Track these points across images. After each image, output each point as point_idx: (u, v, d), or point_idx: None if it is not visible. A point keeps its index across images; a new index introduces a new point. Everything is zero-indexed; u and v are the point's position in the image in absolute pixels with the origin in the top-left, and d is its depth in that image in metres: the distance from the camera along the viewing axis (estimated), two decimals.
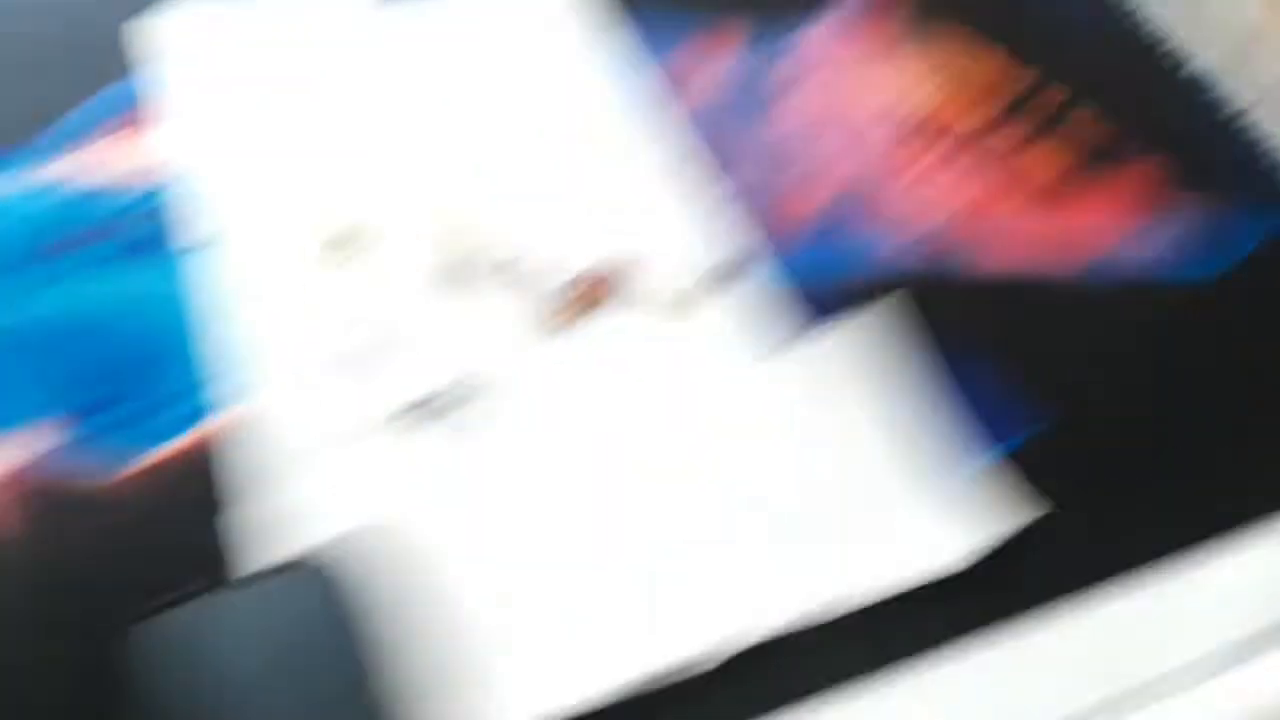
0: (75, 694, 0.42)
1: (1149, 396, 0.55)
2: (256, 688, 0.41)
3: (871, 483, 0.51)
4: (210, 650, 0.42)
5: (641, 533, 0.49)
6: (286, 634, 0.43)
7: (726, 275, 0.58)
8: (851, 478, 0.51)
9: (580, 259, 0.58)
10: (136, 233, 0.57)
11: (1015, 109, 0.68)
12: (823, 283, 0.59)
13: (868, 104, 0.69)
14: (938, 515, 0.49)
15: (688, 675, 0.44)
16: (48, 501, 0.47)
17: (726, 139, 0.66)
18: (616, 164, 0.64)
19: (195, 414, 0.51)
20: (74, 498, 0.47)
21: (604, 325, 0.56)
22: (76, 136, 0.61)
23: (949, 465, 0.51)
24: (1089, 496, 0.51)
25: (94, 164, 0.60)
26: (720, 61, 0.70)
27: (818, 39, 0.72)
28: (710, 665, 0.44)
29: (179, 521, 0.47)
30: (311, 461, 0.50)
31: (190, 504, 0.48)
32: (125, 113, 0.63)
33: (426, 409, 0.52)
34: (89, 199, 0.58)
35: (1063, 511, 0.49)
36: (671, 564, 0.48)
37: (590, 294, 0.57)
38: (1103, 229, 0.63)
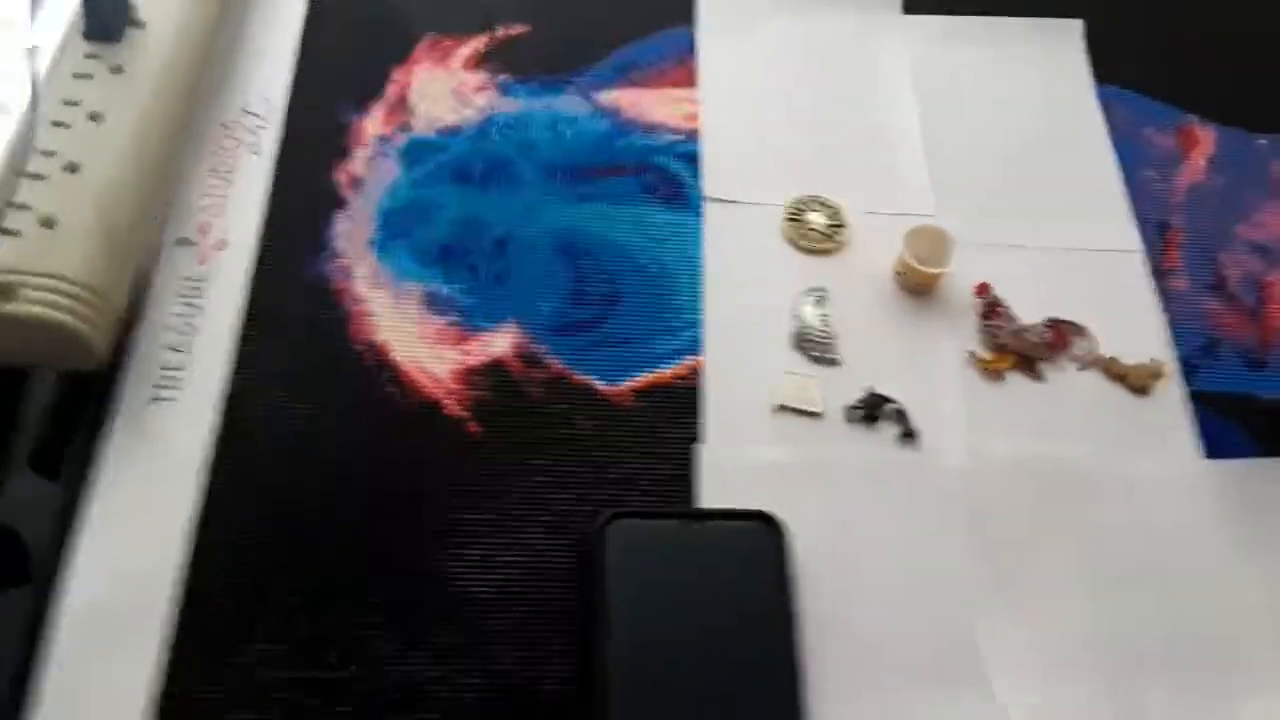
0: (560, 562, 0.52)
1: None
2: (701, 605, 0.50)
3: (1250, 632, 0.53)
4: (668, 564, 0.51)
5: (1050, 601, 0.53)
6: (735, 571, 0.51)
7: (1185, 366, 0.60)
8: (1241, 621, 0.53)
9: (1034, 311, 0.62)
10: (664, 175, 0.66)
11: None
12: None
13: None
14: None
15: None
16: (555, 391, 0.57)
17: (1214, 225, 0.67)
18: (1093, 220, 0.67)
19: (687, 348, 0.59)
20: (579, 393, 0.57)
21: (1052, 380, 0.60)
22: (633, 71, 0.70)
23: None
24: None
25: (644, 101, 0.69)
26: (1201, 152, 0.70)
27: None
28: None
29: (664, 440, 0.56)
30: (762, 421, 0.57)
31: (675, 427, 0.56)
32: (678, 58, 0.71)
33: (870, 412, 0.58)
34: (633, 132, 0.67)
35: None
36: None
37: (1039, 348, 0.61)
38: None
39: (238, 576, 0.50)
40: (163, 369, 0.55)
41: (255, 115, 0.65)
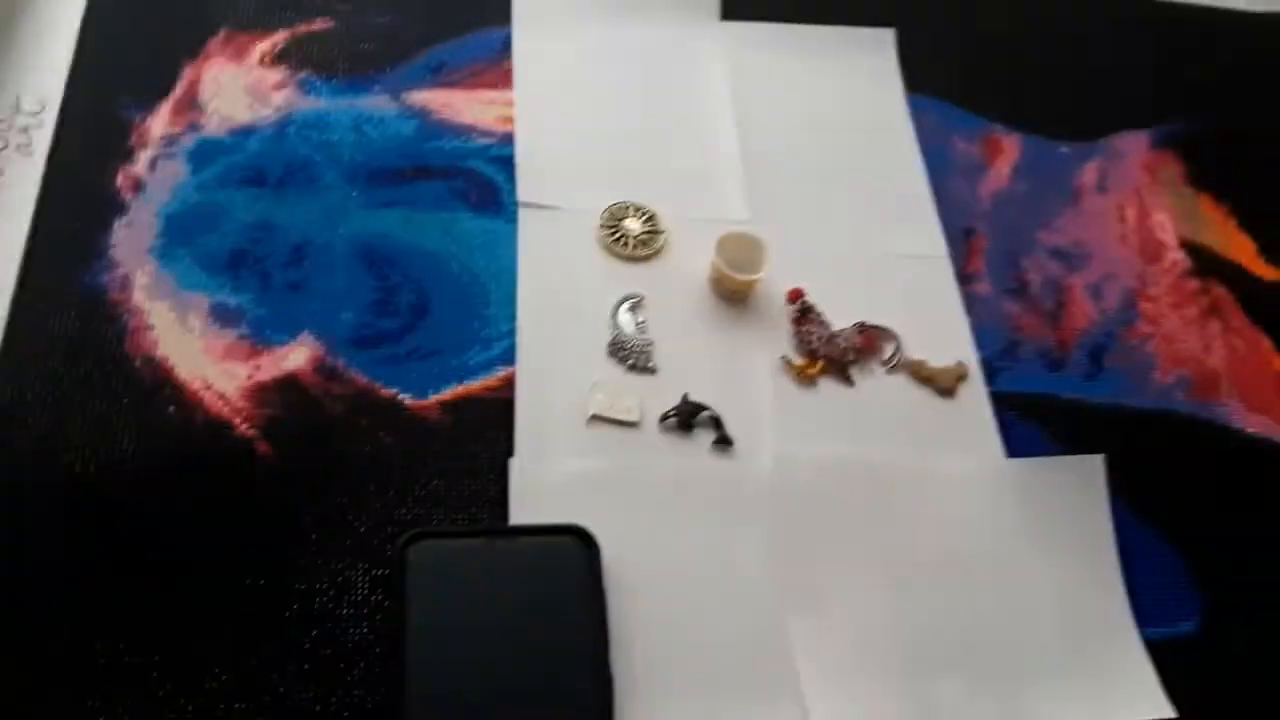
0: (358, 587, 0.50)
1: None
2: (508, 625, 0.48)
3: (1041, 628, 0.54)
4: (473, 584, 0.49)
5: (853, 601, 0.54)
6: (544, 587, 0.49)
7: (988, 368, 0.62)
8: (1027, 622, 0.55)
9: (845, 316, 0.62)
10: (476, 180, 0.63)
11: (1255, 296, 0.69)
12: (1078, 399, 0.62)
13: (1151, 236, 0.71)
14: (1078, 679, 0.53)
15: None
16: (357, 406, 0.54)
17: (1016, 232, 0.69)
18: (903, 226, 0.68)
19: (500, 359, 0.57)
20: (384, 408, 0.55)
21: (862, 384, 0.61)
22: (446, 71, 0.67)
23: (1104, 633, 0.55)
24: (1212, 714, 0.53)
25: (456, 102, 0.66)
26: (1005, 160, 0.73)
27: (1100, 168, 0.74)
28: None
29: (474, 455, 0.54)
30: (576, 432, 0.56)
31: (486, 441, 0.54)
32: (493, 59, 0.69)
33: (684, 420, 0.57)
34: (444, 134, 0.65)
35: None
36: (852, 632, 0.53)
37: (849, 352, 0.61)
38: None
39: (14, 603, 0.46)
40: None
41: (27, 113, 0.60)
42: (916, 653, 0.52)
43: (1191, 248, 0.72)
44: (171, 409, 0.52)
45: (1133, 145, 0.76)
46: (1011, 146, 0.74)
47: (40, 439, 0.50)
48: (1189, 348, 0.67)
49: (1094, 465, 0.59)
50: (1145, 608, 0.56)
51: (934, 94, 0.75)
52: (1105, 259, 0.70)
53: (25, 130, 0.59)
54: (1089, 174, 0.74)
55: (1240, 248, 0.73)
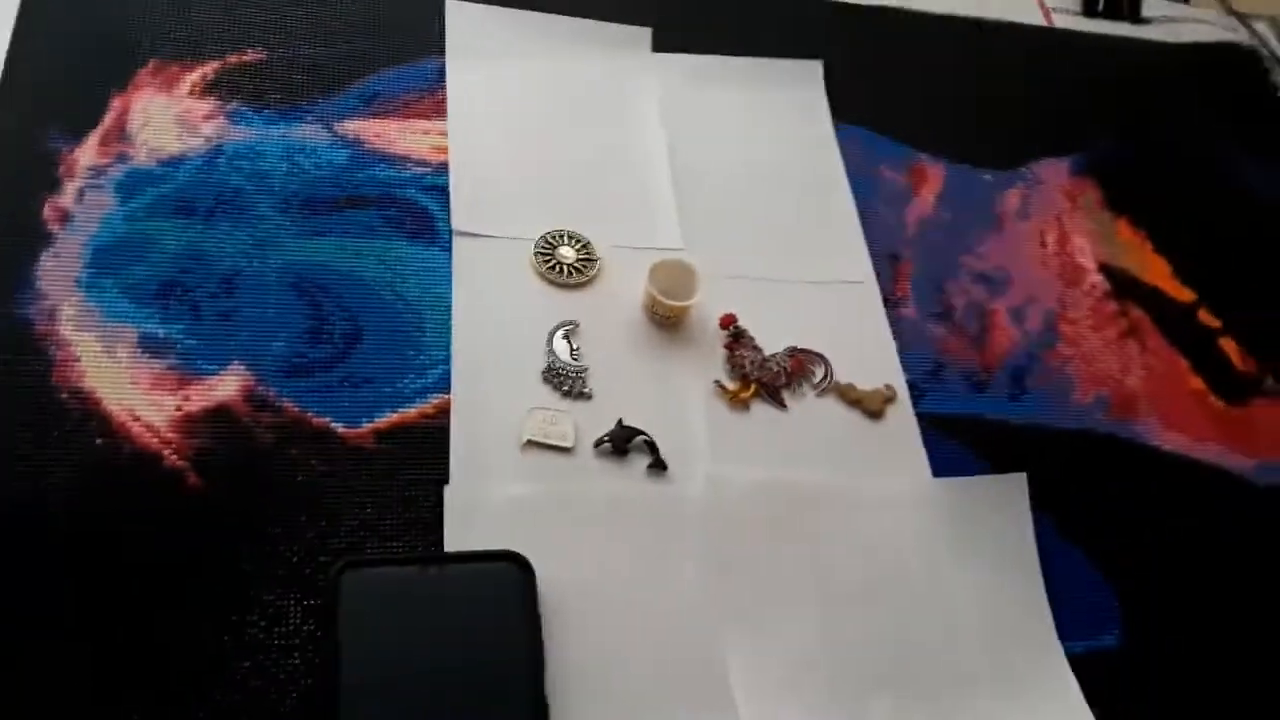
0: (291, 618, 0.49)
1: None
2: (442, 652, 0.48)
3: (968, 644, 0.56)
4: (407, 612, 0.49)
5: (786, 620, 0.54)
6: (479, 613, 0.49)
7: (914, 390, 0.64)
8: (956, 639, 0.56)
9: (776, 341, 0.64)
10: (409, 208, 0.64)
11: (1171, 317, 0.72)
12: (1002, 419, 0.64)
13: (1072, 260, 0.74)
14: (1005, 695, 0.54)
15: None
16: (288, 435, 0.54)
17: (941, 257, 0.71)
18: (832, 252, 0.70)
19: (434, 386, 0.57)
20: (316, 437, 0.54)
21: (794, 407, 0.62)
22: (378, 101, 0.68)
23: (1029, 648, 0.56)
24: None
25: (389, 132, 0.67)
26: (930, 188, 0.75)
27: (1022, 194, 0.76)
28: None
29: (409, 482, 0.54)
30: (511, 459, 0.56)
31: (421, 469, 0.54)
32: (426, 89, 0.69)
33: (619, 445, 0.58)
34: (377, 164, 0.65)
35: None
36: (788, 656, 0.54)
37: (780, 376, 0.62)
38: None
39: None
40: None
41: None
42: (847, 670, 0.53)
43: (1110, 271, 0.74)
44: (99, 441, 0.51)
45: (1053, 172, 0.79)
46: (936, 174, 0.76)
47: None
48: (1108, 368, 0.69)
49: (1017, 483, 0.61)
50: (1068, 622, 0.58)
51: (861, 123, 0.77)
52: (1027, 283, 0.72)
53: None
54: (1011, 200, 0.76)
55: (1156, 270, 0.75)
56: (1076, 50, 0.88)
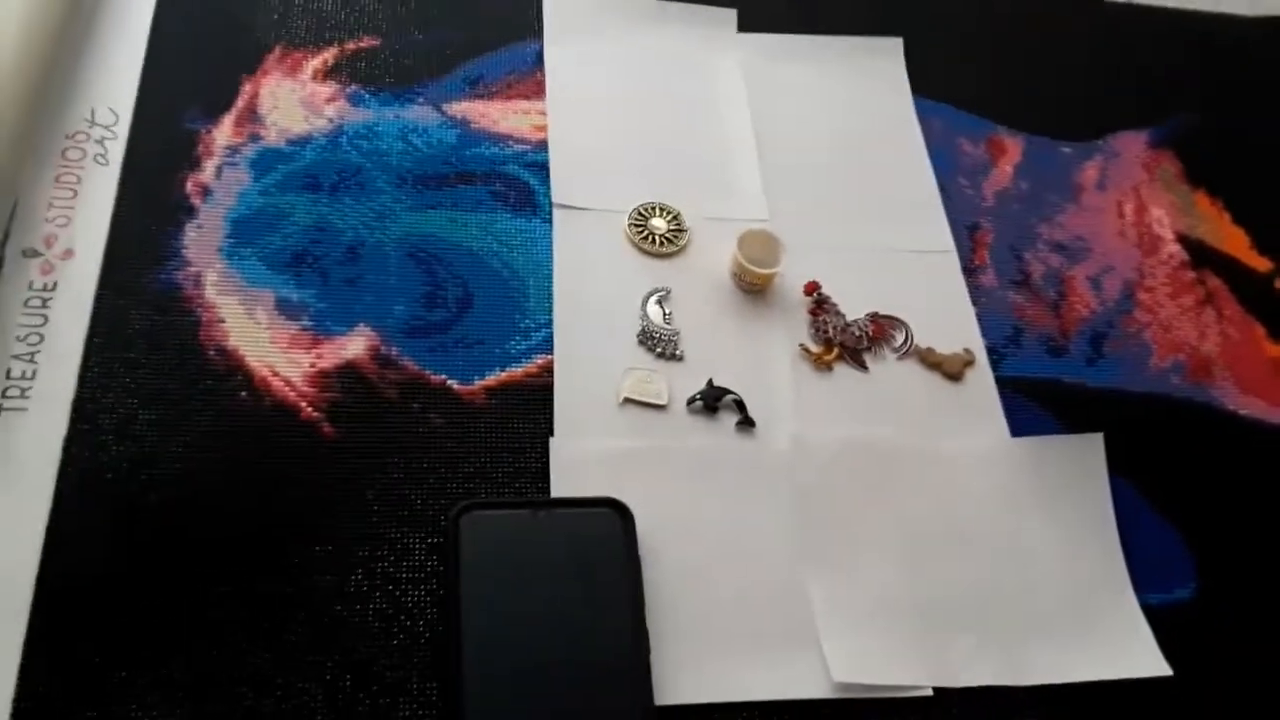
0: (415, 554, 0.54)
1: None
2: (552, 588, 0.53)
3: (1045, 592, 0.59)
4: (520, 550, 0.54)
5: (869, 565, 0.58)
6: (584, 554, 0.54)
7: (993, 354, 0.66)
8: (1032, 587, 0.59)
9: (858, 306, 0.67)
10: (513, 183, 0.68)
11: (1248, 286, 0.74)
12: (1079, 383, 0.67)
13: (1149, 230, 0.75)
14: (1081, 639, 0.57)
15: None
16: (410, 391, 0.59)
17: (1019, 226, 0.73)
18: (912, 222, 0.72)
19: (538, 347, 0.62)
20: (434, 393, 0.59)
21: (875, 370, 0.65)
22: (482, 83, 0.72)
23: (1104, 596, 0.59)
24: (1207, 674, 0.57)
25: (492, 112, 0.71)
26: (1008, 160, 0.77)
27: (1100, 166, 0.78)
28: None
29: (517, 435, 0.59)
30: (610, 414, 0.61)
31: (528, 423, 0.59)
32: (525, 71, 0.74)
33: (710, 403, 0.62)
34: (482, 142, 0.70)
35: (1177, 681, 0.57)
36: (885, 602, 0.57)
37: (862, 340, 0.66)
38: None
39: (94, 577, 0.50)
40: (9, 379, 0.55)
41: (102, 125, 0.65)
42: (928, 611, 0.57)
43: (1188, 241, 0.76)
44: (244, 394, 0.57)
45: (1131, 145, 0.81)
46: (1015, 147, 0.79)
47: (123, 422, 0.55)
48: (1185, 335, 0.71)
49: (1094, 443, 0.63)
50: (1143, 576, 0.60)
51: (940, 98, 0.80)
52: (1104, 252, 0.74)
53: (101, 141, 0.64)
54: (1089, 172, 0.78)
55: (1234, 241, 0.77)
56: (1154, 22, 0.89)
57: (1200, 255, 0.75)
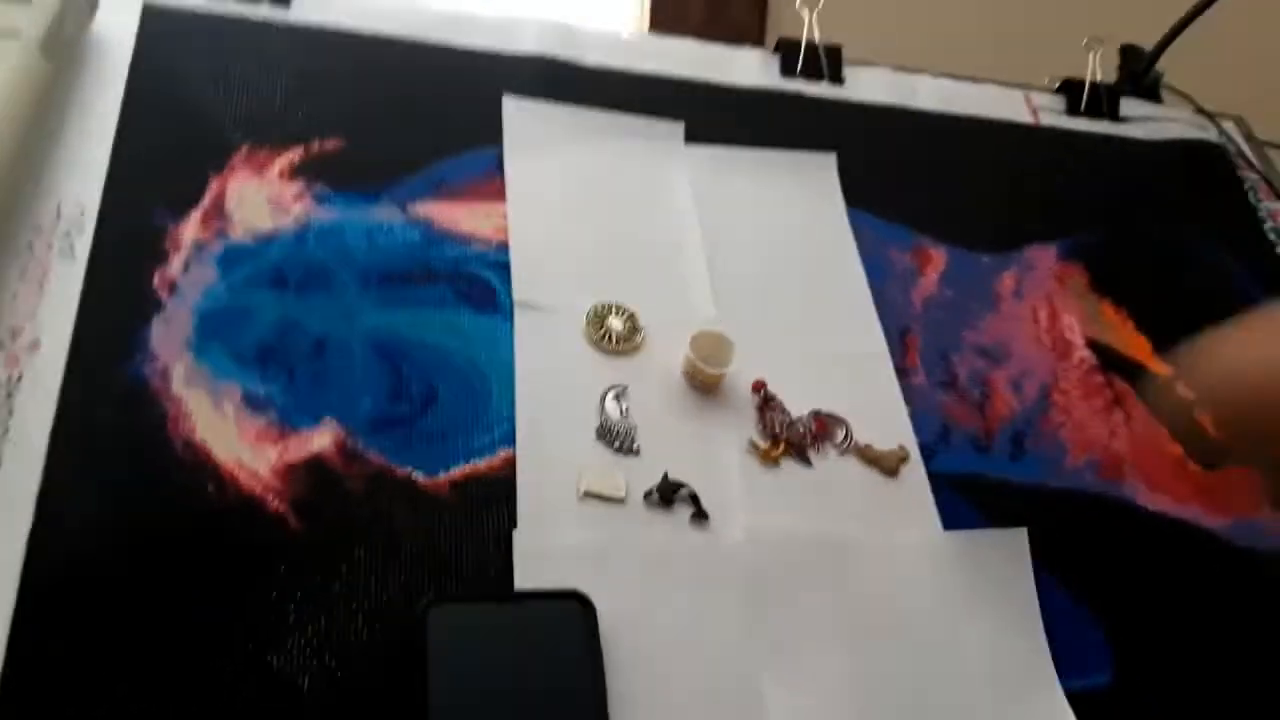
0: (382, 648, 0.55)
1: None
2: (519, 681, 0.54)
3: (976, 682, 0.62)
4: (488, 644, 0.55)
5: (818, 654, 0.61)
6: (550, 647, 0.56)
7: (925, 451, 0.71)
8: (966, 676, 0.62)
9: (802, 404, 0.71)
10: (475, 282, 0.71)
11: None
12: (1004, 478, 0.71)
13: (1062, 336, 0.82)
14: None
15: None
16: (376, 484, 0.61)
17: (945, 332, 0.79)
18: (847, 325, 0.77)
19: (501, 441, 0.64)
20: (399, 486, 0.61)
21: (819, 465, 0.69)
22: (445, 185, 0.75)
23: (1030, 685, 0.63)
24: None
25: (456, 213, 0.74)
26: (934, 268, 0.83)
27: (1016, 276, 0.85)
28: None
29: (481, 526, 0.60)
30: (572, 507, 0.63)
31: (491, 515, 0.61)
32: (486, 175, 0.77)
33: (665, 496, 0.64)
34: (446, 242, 0.73)
35: None
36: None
37: (806, 437, 0.70)
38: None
39: (59, 679, 0.50)
40: None
41: (68, 219, 0.66)
42: (871, 702, 0.60)
43: (1097, 346, 0.82)
44: (210, 487, 0.58)
45: (1043, 256, 0.88)
46: (939, 257, 0.85)
47: (88, 520, 0.55)
48: (1097, 434, 0.77)
49: (1019, 537, 0.68)
50: (1064, 662, 0.64)
51: (871, 210, 0.85)
52: (1023, 356, 0.80)
53: (67, 234, 0.65)
54: (1007, 282, 0.85)
55: (1138, 347, 0.84)
56: (1062, 146, 0.97)
57: (1108, 360, 0.81)
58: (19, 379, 0.59)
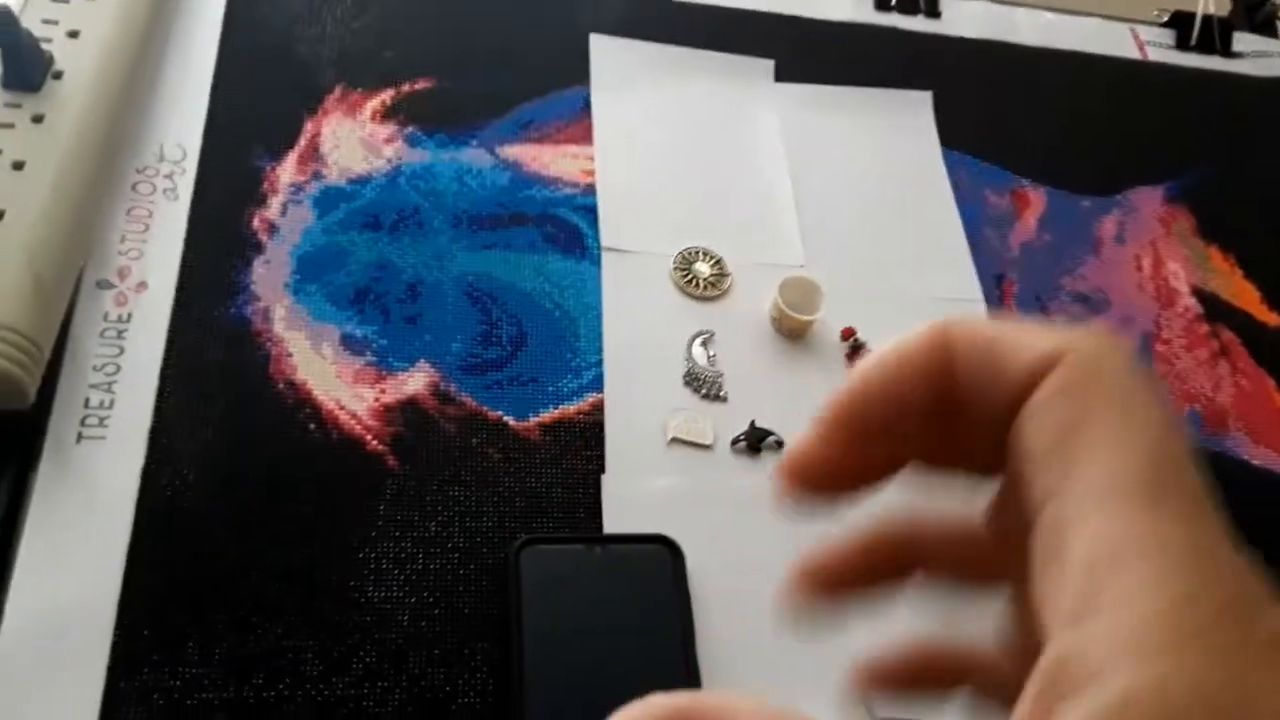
0: (476, 584, 0.57)
1: None
2: (607, 621, 0.55)
3: None
4: (577, 584, 0.56)
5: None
6: (637, 589, 0.57)
7: None
8: None
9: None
10: (563, 226, 0.71)
11: (1259, 340, 0.77)
12: None
13: (1165, 283, 0.79)
14: None
15: None
16: (469, 426, 0.62)
17: (1043, 278, 0.77)
18: (942, 271, 0.76)
19: (589, 386, 0.65)
20: (491, 428, 0.62)
21: None
22: (533, 127, 0.75)
23: None
24: None
25: (543, 156, 0.74)
26: (1032, 212, 0.81)
27: (1118, 220, 0.82)
28: None
29: (571, 470, 0.61)
30: (659, 452, 0.63)
31: (580, 459, 0.62)
32: (574, 117, 0.77)
33: (752, 443, 0.64)
34: (534, 185, 0.72)
35: None
36: None
37: None
38: None
39: (170, 605, 0.53)
40: (88, 408, 0.57)
41: (170, 161, 0.68)
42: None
43: (1202, 295, 0.79)
44: (312, 426, 0.59)
45: (1147, 199, 0.84)
46: (1038, 200, 0.82)
47: (197, 455, 0.57)
48: (1200, 386, 0.74)
49: None
50: None
51: (967, 151, 0.83)
52: (1124, 304, 0.77)
53: (170, 176, 0.67)
54: (1108, 226, 0.82)
55: (1246, 296, 0.80)
56: (1170, 82, 0.93)
57: (1214, 309, 0.78)
58: (129, 318, 0.61)
